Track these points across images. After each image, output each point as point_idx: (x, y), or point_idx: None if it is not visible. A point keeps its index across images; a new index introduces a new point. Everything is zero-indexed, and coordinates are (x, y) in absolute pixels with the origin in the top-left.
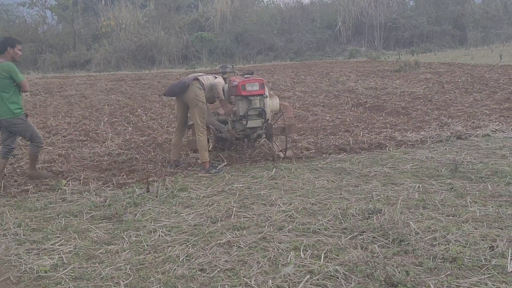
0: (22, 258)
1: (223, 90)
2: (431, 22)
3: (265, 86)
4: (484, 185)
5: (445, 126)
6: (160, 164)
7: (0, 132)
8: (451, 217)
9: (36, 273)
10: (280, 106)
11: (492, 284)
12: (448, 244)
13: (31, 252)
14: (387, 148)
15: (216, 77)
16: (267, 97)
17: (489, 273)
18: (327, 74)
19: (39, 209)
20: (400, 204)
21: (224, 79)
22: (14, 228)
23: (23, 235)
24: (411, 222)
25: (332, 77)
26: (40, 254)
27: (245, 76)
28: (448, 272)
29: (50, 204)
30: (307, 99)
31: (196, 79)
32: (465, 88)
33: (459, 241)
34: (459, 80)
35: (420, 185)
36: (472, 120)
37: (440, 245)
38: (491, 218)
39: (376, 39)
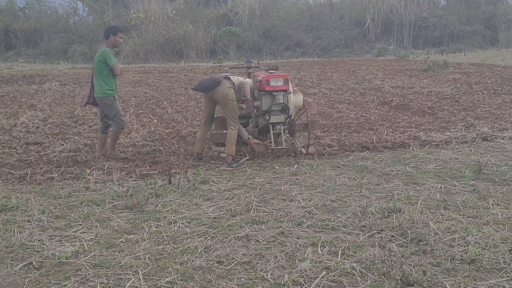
0: (45, 244)
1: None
2: (462, 22)
3: (289, 82)
4: (508, 187)
5: (471, 127)
6: (183, 156)
7: (98, 110)
8: (472, 218)
9: (58, 259)
10: (303, 102)
11: (510, 287)
12: (467, 246)
13: (54, 238)
14: (411, 147)
15: (245, 78)
16: (290, 93)
17: (508, 276)
18: (354, 72)
19: (63, 197)
20: (420, 204)
21: (249, 74)
22: (38, 214)
23: (47, 221)
24: (430, 222)
25: (359, 75)
26: (62, 241)
27: (270, 71)
28: (466, 274)
29: (74, 192)
30: (332, 96)
31: (227, 78)
32: (493, 89)
33: (479, 243)
34: (488, 81)
35: (442, 185)
36: (499, 122)
37: (459, 246)
38: None
39: (405, 37)
